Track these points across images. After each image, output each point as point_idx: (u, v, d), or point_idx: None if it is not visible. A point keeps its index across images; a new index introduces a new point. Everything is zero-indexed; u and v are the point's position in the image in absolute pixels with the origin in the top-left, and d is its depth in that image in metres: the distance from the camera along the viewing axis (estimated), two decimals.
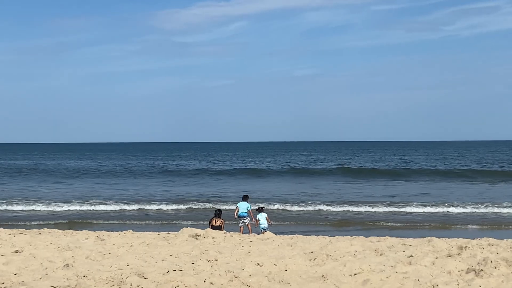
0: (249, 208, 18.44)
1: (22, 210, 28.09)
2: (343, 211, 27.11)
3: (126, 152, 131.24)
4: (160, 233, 15.48)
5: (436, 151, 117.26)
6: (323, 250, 12.01)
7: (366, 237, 14.62)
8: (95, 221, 24.44)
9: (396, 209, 27.34)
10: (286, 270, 10.32)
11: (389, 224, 23.42)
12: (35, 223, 23.47)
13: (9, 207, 28.65)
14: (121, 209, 28.13)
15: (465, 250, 11.30)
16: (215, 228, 16.58)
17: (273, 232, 16.27)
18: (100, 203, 29.89)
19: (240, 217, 18.36)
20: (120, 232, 15.57)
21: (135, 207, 28.67)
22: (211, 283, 9.46)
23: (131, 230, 15.94)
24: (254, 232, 17.47)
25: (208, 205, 28.94)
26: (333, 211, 27.14)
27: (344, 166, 63.76)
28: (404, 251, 11.64)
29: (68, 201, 30.83)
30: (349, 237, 14.80)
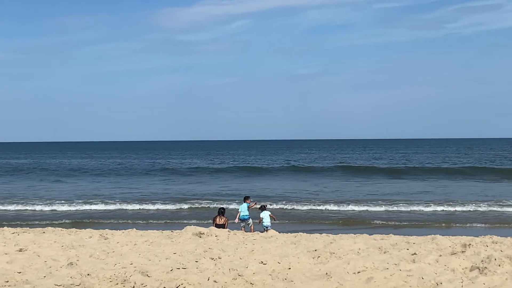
0: (248, 206, 18.46)
1: (25, 209, 28.10)
2: (346, 209, 27.07)
3: (127, 150, 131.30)
4: (163, 231, 15.50)
5: (438, 149, 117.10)
6: (327, 248, 12.01)
7: (369, 235, 14.61)
8: (98, 221, 24.42)
9: (399, 208, 27.29)
10: (289, 268, 10.32)
11: (392, 222, 23.38)
12: (39, 222, 23.47)
13: (12, 207, 28.65)
14: (124, 209, 28.12)
15: (469, 247, 11.29)
16: (218, 226, 16.60)
17: (276, 230, 16.28)
18: (102, 202, 29.92)
19: (241, 220, 18.29)
20: (123, 230, 15.60)
21: (137, 206, 28.67)
22: (215, 281, 9.46)
23: (134, 229, 15.97)
24: (257, 230, 17.46)
25: (211, 204, 28.94)
26: (336, 209, 27.10)
27: (346, 164, 63.76)
28: (407, 249, 11.63)
29: (71, 200, 30.86)
30: (352, 235, 14.80)
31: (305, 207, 27.61)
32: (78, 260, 10.97)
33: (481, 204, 27.74)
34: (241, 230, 18.16)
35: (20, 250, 12.02)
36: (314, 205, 28.04)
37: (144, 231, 15.63)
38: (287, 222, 23.10)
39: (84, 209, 28.00)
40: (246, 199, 18.78)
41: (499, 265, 9.69)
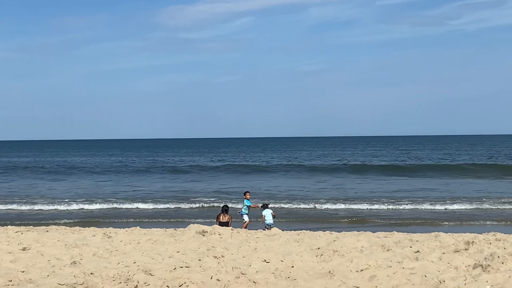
0: (248, 204, 18.69)
1: (29, 209, 28.11)
2: (349, 207, 27.07)
3: (130, 149, 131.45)
4: (167, 229, 15.51)
5: (441, 146, 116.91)
6: (330, 246, 12.00)
7: (372, 232, 14.60)
8: (101, 219, 24.45)
9: (402, 205, 27.27)
10: (293, 267, 10.32)
11: (395, 220, 23.36)
12: (42, 221, 23.48)
13: (15, 206, 28.70)
14: (126, 207, 28.17)
15: (472, 245, 11.27)
16: (222, 224, 16.61)
17: (279, 229, 16.28)
18: (104, 201, 29.97)
19: (241, 214, 18.69)
20: (127, 229, 15.61)
21: (140, 204, 28.72)
22: (218, 279, 9.47)
23: (138, 227, 15.98)
24: (260, 229, 17.50)
25: (214, 202, 28.97)
26: (338, 207, 27.11)
27: (349, 162, 63.71)
28: (411, 247, 11.61)
29: (74, 199, 30.94)
30: (356, 232, 14.77)
31: (308, 205, 27.62)
32: (81, 259, 10.98)
33: (484, 201, 27.71)
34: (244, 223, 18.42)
35: (24, 249, 12.04)
36: (317, 203, 28.05)
37: (147, 229, 15.65)
38: (290, 221, 23.11)
39: (87, 208, 28.05)
40: (245, 194, 19.07)
41: (502, 263, 9.67)
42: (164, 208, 27.77)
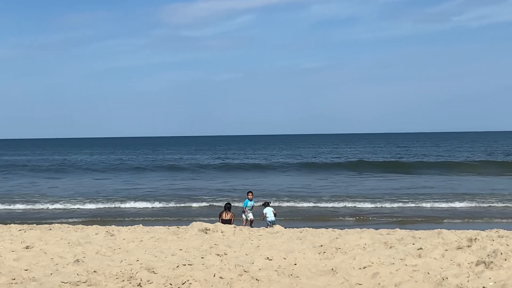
0: (243, 206, 18.70)
1: (31, 208, 28.11)
2: (352, 205, 27.05)
3: (132, 146, 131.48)
4: (169, 227, 15.52)
5: (443, 143, 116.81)
6: (333, 244, 12.00)
7: (375, 230, 14.60)
8: (104, 218, 24.46)
9: (405, 202, 27.26)
10: (295, 264, 10.33)
11: (398, 217, 23.35)
12: (44, 220, 23.51)
13: (16, 206, 28.70)
14: (129, 206, 28.16)
15: (475, 242, 11.26)
16: (225, 221, 16.61)
17: (282, 226, 16.29)
18: (106, 199, 30.00)
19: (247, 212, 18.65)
20: (129, 227, 15.62)
21: (143, 202, 28.72)
22: (221, 277, 9.48)
23: (141, 225, 16.00)
24: (262, 226, 17.51)
25: (216, 199, 28.97)
26: (341, 205, 27.09)
27: (351, 159, 63.69)
28: (413, 244, 11.62)
29: (75, 198, 30.97)
30: (358, 230, 14.78)
31: (310, 203, 27.60)
32: (84, 257, 11.00)
33: (486, 198, 27.70)
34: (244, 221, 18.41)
35: (27, 247, 12.06)
36: (319, 201, 28.04)
37: (150, 227, 15.66)
38: (292, 219, 23.11)
39: (89, 207, 28.06)
40: (248, 193, 19.03)
41: (505, 259, 9.67)
42: (166, 206, 27.78)
